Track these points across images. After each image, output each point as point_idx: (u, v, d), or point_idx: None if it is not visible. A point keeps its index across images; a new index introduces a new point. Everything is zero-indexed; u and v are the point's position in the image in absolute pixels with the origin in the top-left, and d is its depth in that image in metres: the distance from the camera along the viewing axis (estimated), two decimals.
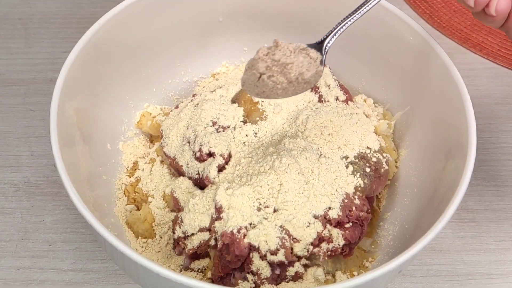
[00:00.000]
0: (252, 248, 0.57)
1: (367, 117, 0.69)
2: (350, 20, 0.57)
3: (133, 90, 0.72)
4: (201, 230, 0.59)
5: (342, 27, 0.57)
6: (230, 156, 0.64)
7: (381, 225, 0.67)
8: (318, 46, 0.56)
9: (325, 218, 0.59)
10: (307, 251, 0.58)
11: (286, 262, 0.57)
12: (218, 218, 0.58)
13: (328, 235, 0.58)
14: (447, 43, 0.87)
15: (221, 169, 0.63)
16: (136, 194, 0.67)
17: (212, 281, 0.60)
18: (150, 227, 0.64)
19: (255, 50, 0.76)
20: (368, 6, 0.58)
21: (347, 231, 0.59)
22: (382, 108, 0.72)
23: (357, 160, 0.63)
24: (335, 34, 0.57)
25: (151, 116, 0.72)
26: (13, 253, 0.67)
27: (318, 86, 0.69)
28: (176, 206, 0.64)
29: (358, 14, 0.58)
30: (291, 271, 0.58)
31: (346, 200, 0.60)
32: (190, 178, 0.64)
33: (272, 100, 0.67)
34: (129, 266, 0.54)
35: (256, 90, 0.54)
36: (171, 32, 0.71)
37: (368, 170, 0.63)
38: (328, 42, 0.57)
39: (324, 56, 0.56)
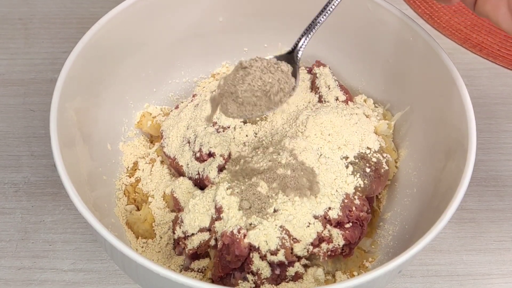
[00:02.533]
0: (252, 248, 0.57)
1: (367, 117, 0.69)
2: (318, 23, 0.58)
3: (133, 90, 0.72)
4: (201, 230, 0.59)
5: (310, 32, 0.58)
6: (230, 156, 0.64)
7: (381, 225, 0.67)
8: (290, 55, 0.57)
9: (325, 218, 0.59)
10: (307, 251, 0.58)
11: (286, 262, 0.57)
12: (218, 218, 0.58)
13: (328, 235, 0.58)
14: (447, 43, 0.87)
15: (221, 169, 0.63)
16: (136, 194, 0.67)
17: (212, 281, 0.60)
18: (150, 227, 0.64)
19: (255, 50, 0.77)
20: (333, 5, 0.58)
21: (347, 231, 0.59)
22: (382, 109, 0.72)
23: (357, 160, 0.63)
24: (305, 40, 0.58)
25: (151, 116, 0.72)
26: (13, 253, 0.67)
27: (318, 86, 0.70)
28: (176, 206, 0.64)
29: (325, 15, 0.58)
30: (291, 271, 0.58)
31: (346, 200, 0.60)
32: (190, 178, 0.64)
33: None
34: (129, 266, 0.54)
35: (234, 113, 0.55)
36: (171, 32, 0.71)
37: (368, 170, 0.63)
38: (298, 51, 0.58)
39: (297, 64, 0.57)
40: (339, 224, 0.59)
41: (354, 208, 0.60)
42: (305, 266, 0.59)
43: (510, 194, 0.74)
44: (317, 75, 0.70)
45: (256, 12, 0.73)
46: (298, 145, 0.63)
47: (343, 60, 0.73)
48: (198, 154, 0.64)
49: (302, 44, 0.58)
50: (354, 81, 0.74)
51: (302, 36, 0.58)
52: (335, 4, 0.58)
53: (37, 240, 0.68)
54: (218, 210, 0.59)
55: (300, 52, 0.58)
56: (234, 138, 0.65)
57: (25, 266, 0.66)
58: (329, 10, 0.58)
